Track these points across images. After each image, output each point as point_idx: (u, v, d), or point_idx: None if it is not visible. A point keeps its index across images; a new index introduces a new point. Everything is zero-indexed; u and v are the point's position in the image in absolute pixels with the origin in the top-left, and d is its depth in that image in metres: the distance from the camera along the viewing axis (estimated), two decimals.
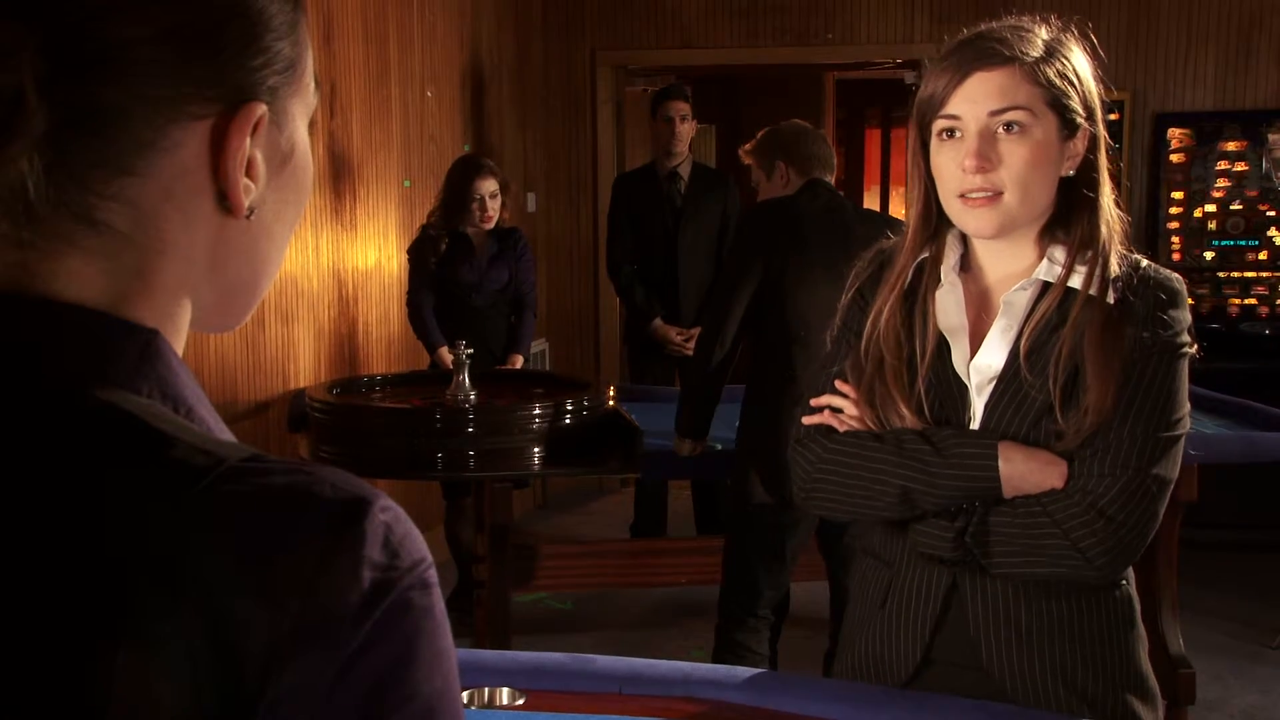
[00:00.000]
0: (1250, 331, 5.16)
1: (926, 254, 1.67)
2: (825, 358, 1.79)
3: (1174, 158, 5.82)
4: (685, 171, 5.42)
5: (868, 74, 7.67)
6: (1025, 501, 1.57)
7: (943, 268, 1.66)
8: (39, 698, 0.57)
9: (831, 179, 3.61)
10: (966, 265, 1.68)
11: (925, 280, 1.66)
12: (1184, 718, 3.51)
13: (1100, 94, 1.62)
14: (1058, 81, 1.56)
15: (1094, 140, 1.60)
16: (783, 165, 3.60)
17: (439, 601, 0.63)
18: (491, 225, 4.59)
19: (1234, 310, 5.62)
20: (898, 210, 9.32)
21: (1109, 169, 1.63)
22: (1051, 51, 1.57)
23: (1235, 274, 5.76)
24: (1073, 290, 1.58)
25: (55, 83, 0.62)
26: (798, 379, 3.38)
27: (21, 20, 0.62)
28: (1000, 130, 1.56)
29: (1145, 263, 1.63)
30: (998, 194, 1.56)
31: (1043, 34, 1.59)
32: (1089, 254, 1.58)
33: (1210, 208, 5.80)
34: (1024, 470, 1.57)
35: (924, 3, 6.13)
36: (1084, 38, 1.63)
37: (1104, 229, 1.59)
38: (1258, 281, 5.63)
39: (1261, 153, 5.76)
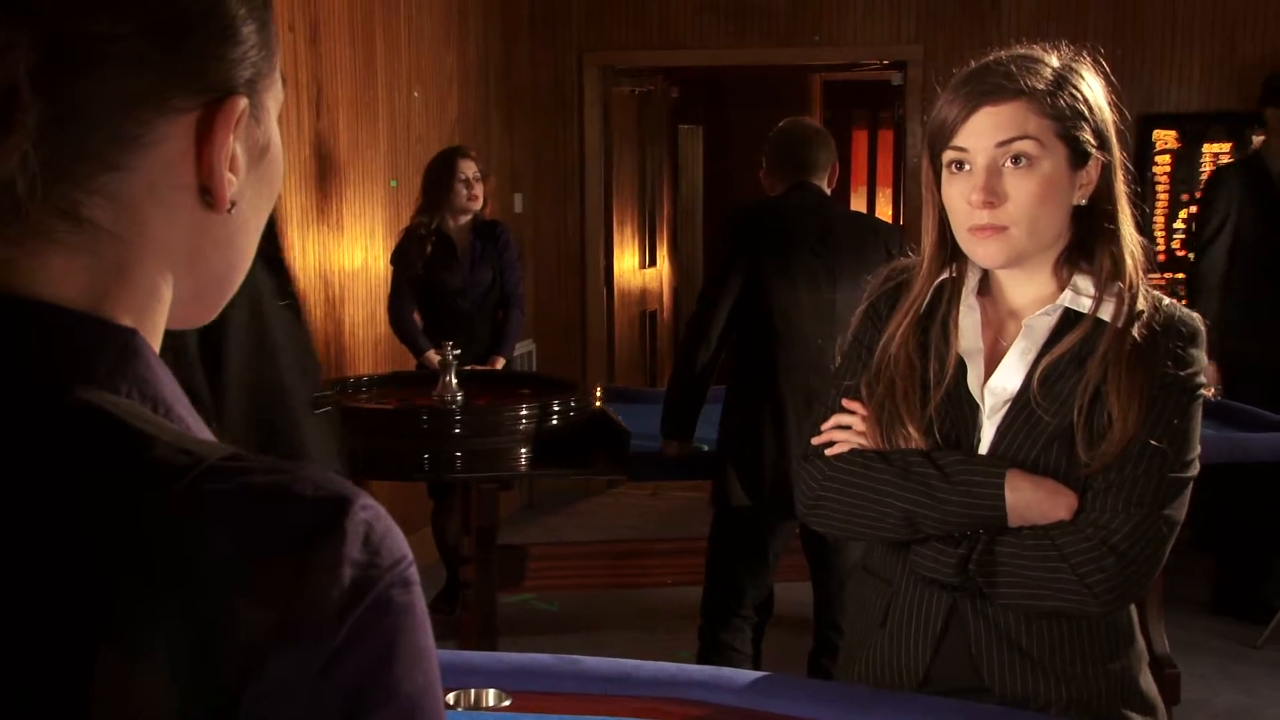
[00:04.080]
0: None
1: (947, 275, 1.66)
2: (835, 372, 1.78)
3: (1159, 159, 5.84)
4: None
5: (854, 75, 7.68)
6: (1033, 533, 1.56)
7: (964, 289, 1.66)
8: (21, 699, 0.57)
9: (823, 181, 3.60)
10: (985, 289, 1.67)
11: (946, 301, 1.65)
12: (1169, 717, 3.52)
13: (1115, 120, 1.61)
14: (1067, 112, 1.55)
15: (1108, 167, 1.59)
16: (769, 166, 3.61)
17: (420, 600, 0.63)
18: (478, 205, 4.56)
19: None
20: (884, 211, 9.35)
21: (1127, 192, 1.62)
22: (1061, 81, 1.56)
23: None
24: (1100, 322, 1.57)
25: (46, 77, 0.63)
26: (779, 380, 3.39)
27: (14, 16, 0.62)
28: (1007, 163, 1.55)
29: (1167, 300, 1.62)
30: (1004, 228, 1.56)
31: (1053, 62, 1.58)
32: (1117, 285, 1.58)
33: (1195, 209, 5.82)
34: (1031, 500, 1.56)
35: (910, 4, 6.14)
36: (1097, 64, 1.62)
37: (1129, 260, 1.59)
38: None
39: (1246, 154, 5.78)
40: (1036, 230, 1.57)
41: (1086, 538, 1.54)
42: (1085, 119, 1.56)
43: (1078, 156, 1.56)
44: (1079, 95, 1.56)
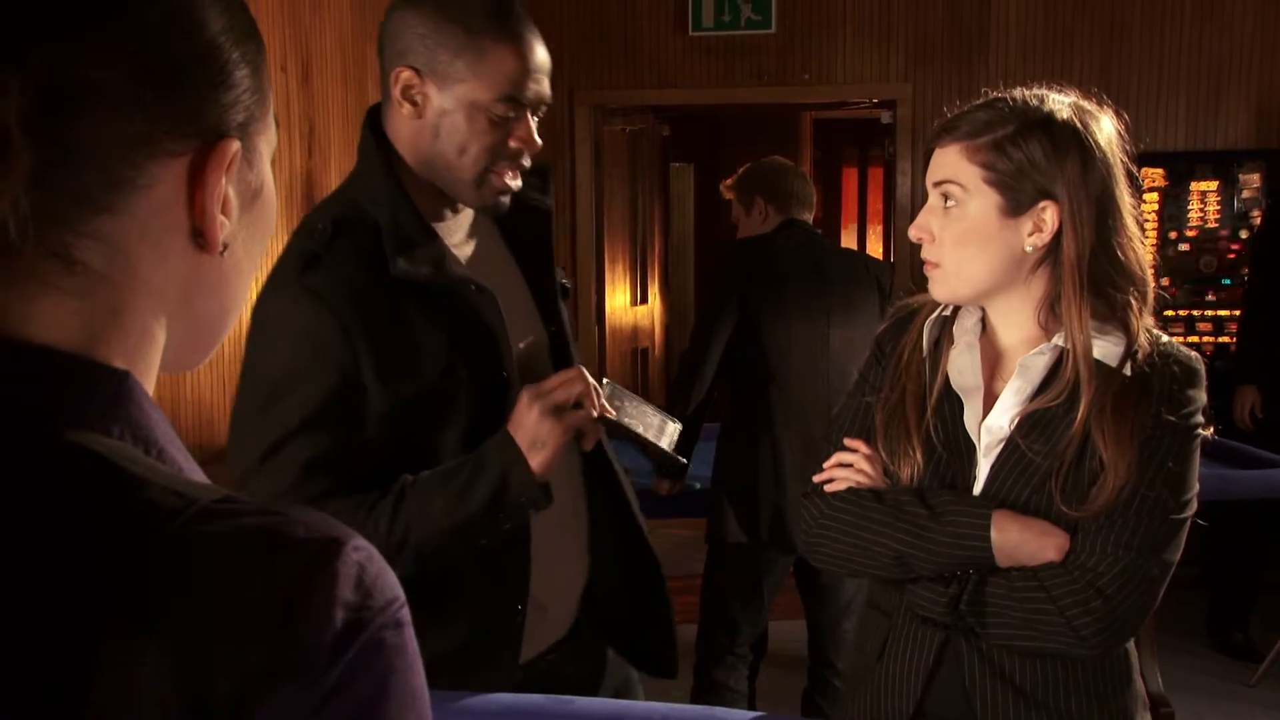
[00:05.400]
0: (1224, 369, 5.19)
1: (946, 311, 1.69)
2: (840, 410, 1.80)
3: (1147, 196, 5.87)
4: None
5: (844, 113, 7.72)
6: (1022, 574, 1.56)
7: (956, 328, 1.68)
8: None
9: (810, 217, 3.64)
10: (984, 328, 1.69)
11: (941, 337, 1.69)
12: None
13: (1121, 167, 1.58)
14: (999, 162, 1.56)
15: (1080, 220, 1.55)
16: (761, 201, 3.62)
17: (412, 641, 0.63)
18: None
19: (1208, 348, 5.66)
20: (875, 249, 9.37)
21: (1137, 235, 1.60)
22: (1022, 131, 1.56)
23: (1209, 312, 5.81)
24: (1096, 362, 1.57)
25: (37, 122, 0.63)
26: (774, 416, 3.39)
27: (4, 61, 0.62)
28: (942, 203, 1.61)
29: (1165, 339, 1.62)
30: (937, 264, 1.62)
31: (1033, 110, 1.57)
32: (1111, 327, 1.58)
33: (1183, 246, 5.86)
34: (1018, 540, 1.55)
35: (899, 44, 6.18)
36: (1119, 116, 1.62)
37: (1120, 303, 1.58)
38: (1231, 320, 5.67)
39: (1233, 192, 5.82)
40: (963, 271, 1.60)
41: (1074, 579, 1.53)
42: (1029, 172, 1.55)
43: (1013, 205, 1.57)
44: (1035, 148, 1.55)
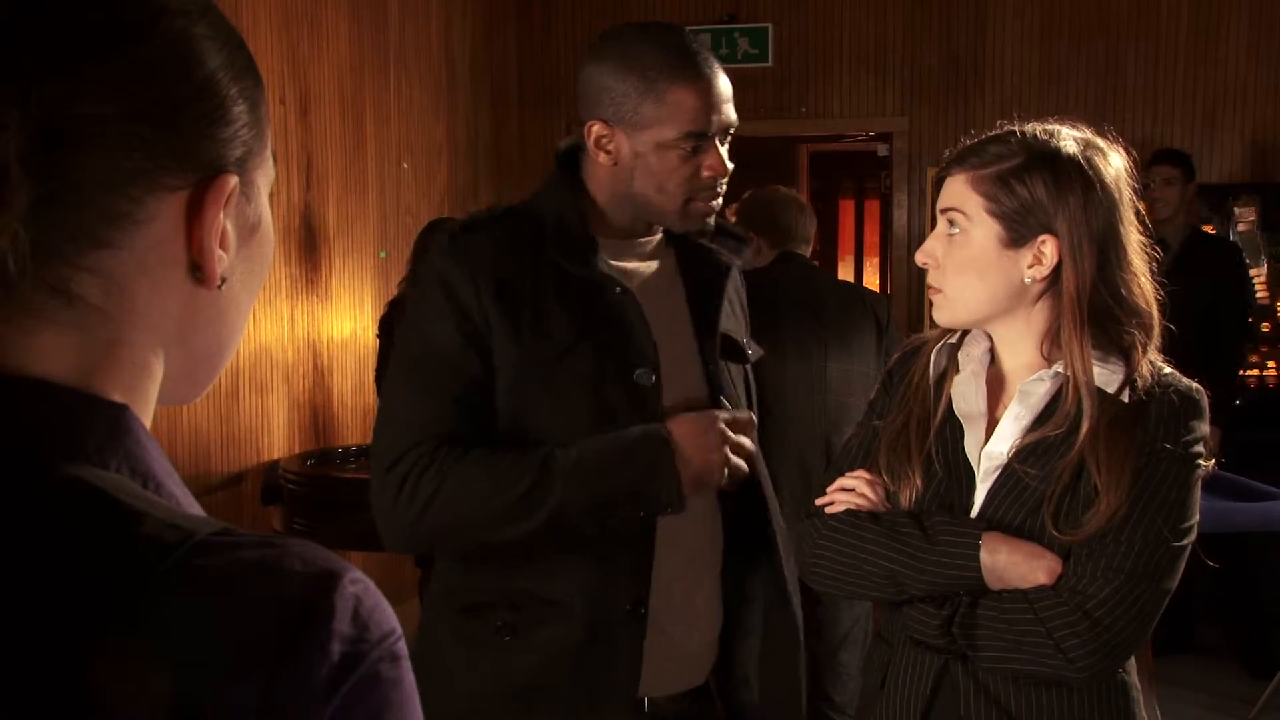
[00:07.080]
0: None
1: (953, 339, 1.71)
2: (849, 437, 1.83)
3: None
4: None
5: (841, 146, 7.75)
6: (1012, 596, 1.56)
7: (962, 355, 1.69)
8: None
9: (808, 250, 3.63)
10: (993, 357, 1.70)
11: (948, 364, 1.70)
12: None
13: (1107, 217, 1.58)
14: (1001, 194, 1.58)
15: (1079, 255, 1.56)
16: (754, 236, 3.62)
17: (408, 674, 0.63)
18: None
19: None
20: (871, 281, 9.39)
21: (1139, 271, 1.60)
22: (1027, 165, 1.57)
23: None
24: (1096, 389, 1.57)
25: (35, 158, 0.63)
26: (771, 451, 3.38)
27: (2, 98, 0.63)
28: (947, 230, 1.63)
29: (1168, 370, 1.62)
30: (940, 289, 1.65)
31: (1041, 144, 1.58)
32: (1112, 357, 1.59)
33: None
34: (1007, 563, 1.55)
35: (896, 78, 6.22)
36: (1128, 152, 1.64)
37: (1122, 336, 1.58)
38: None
39: (1229, 226, 5.84)
40: (963, 297, 1.62)
41: (1062, 602, 1.53)
42: (1030, 205, 1.57)
43: (1013, 236, 1.58)
44: (1040, 182, 1.57)
